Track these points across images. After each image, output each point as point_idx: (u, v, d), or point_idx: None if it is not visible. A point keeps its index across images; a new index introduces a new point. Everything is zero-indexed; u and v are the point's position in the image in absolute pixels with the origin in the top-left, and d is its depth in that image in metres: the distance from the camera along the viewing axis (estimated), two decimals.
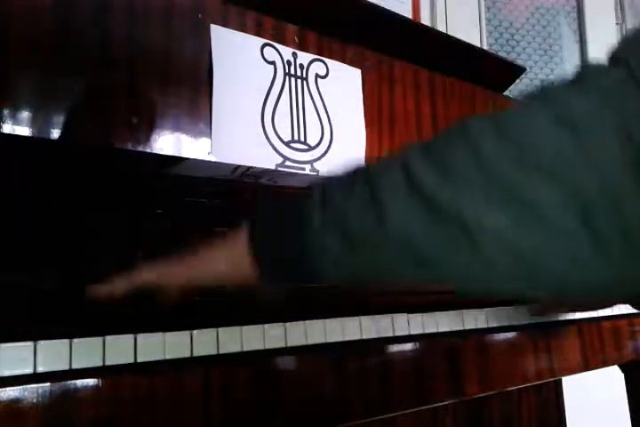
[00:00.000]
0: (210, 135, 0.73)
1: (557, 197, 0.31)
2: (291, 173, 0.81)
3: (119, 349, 0.45)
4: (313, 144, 0.86)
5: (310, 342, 0.56)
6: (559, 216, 0.31)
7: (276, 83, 0.83)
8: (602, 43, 2.01)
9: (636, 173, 0.30)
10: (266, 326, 0.53)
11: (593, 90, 0.32)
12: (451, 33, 1.49)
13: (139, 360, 0.46)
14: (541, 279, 0.35)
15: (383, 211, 0.37)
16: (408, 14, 1.30)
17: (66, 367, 0.43)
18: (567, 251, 0.32)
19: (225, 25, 0.77)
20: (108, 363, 0.44)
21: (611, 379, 1.25)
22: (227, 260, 0.47)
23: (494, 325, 0.72)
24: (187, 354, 0.48)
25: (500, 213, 0.33)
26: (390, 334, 0.63)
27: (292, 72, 0.85)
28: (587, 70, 0.35)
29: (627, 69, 0.31)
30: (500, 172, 0.33)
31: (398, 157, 0.39)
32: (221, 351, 0.50)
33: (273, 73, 0.83)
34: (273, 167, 0.80)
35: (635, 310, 0.92)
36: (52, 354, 0.42)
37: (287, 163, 0.82)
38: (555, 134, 0.32)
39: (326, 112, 0.89)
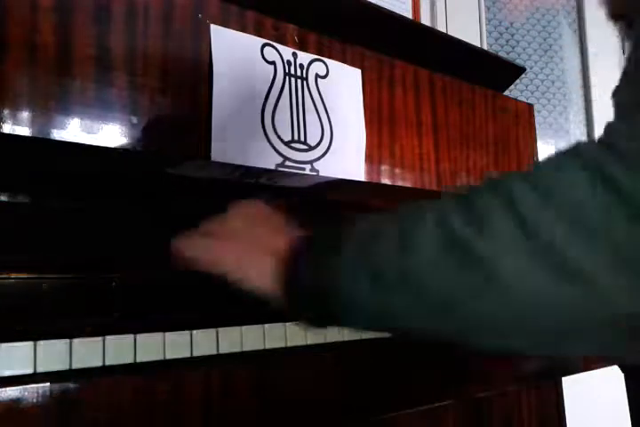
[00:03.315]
0: (210, 135, 0.73)
1: (600, 256, 0.33)
2: (291, 173, 0.81)
3: (119, 349, 0.45)
4: (313, 144, 0.86)
5: (310, 342, 0.56)
6: (601, 273, 0.33)
7: (275, 83, 0.83)
8: (602, 43, 2.01)
9: None
10: (266, 326, 0.53)
11: (633, 161, 0.34)
12: (451, 33, 1.49)
13: (139, 360, 0.46)
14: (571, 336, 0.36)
15: (410, 254, 0.38)
16: (408, 14, 1.30)
17: (66, 367, 0.43)
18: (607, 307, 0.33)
19: (225, 25, 0.77)
20: (107, 363, 0.44)
21: (611, 379, 1.25)
22: (259, 285, 0.47)
23: None
24: (187, 354, 0.48)
25: (538, 270, 0.34)
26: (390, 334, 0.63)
27: (292, 72, 0.85)
28: (617, 138, 0.36)
29: None
30: (542, 229, 0.34)
31: (432, 209, 0.40)
32: (221, 351, 0.50)
33: (273, 73, 0.83)
34: (273, 167, 0.80)
35: None
36: (52, 354, 0.42)
37: (287, 163, 0.82)
38: (596, 193, 0.33)
39: (326, 112, 0.88)
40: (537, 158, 1.25)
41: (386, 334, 0.63)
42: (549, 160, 0.38)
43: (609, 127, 0.38)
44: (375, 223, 0.43)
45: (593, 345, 0.37)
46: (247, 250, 0.49)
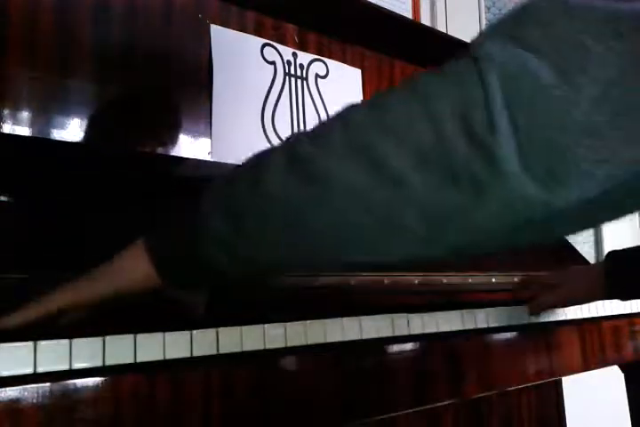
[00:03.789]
0: (210, 135, 0.73)
1: (402, 155, 0.35)
2: None
3: (119, 349, 0.45)
4: None
5: (310, 342, 0.56)
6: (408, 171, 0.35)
7: (276, 83, 0.83)
8: None
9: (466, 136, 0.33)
10: (266, 326, 0.53)
11: (447, 75, 0.36)
12: (451, 33, 1.49)
13: (139, 360, 0.46)
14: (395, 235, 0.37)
15: (259, 176, 0.40)
16: (408, 14, 1.30)
17: (66, 367, 0.43)
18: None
19: (225, 25, 0.77)
20: (107, 363, 0.44)
21: (611, 379, 1.25)
22: (127, 271, 0.47)
23: (494, 325, 0.72)
24: (187, 354, 0.48)
25: (359, 171, 0.36)
26: (390, 334, 0.63)
27: (292, 72, 0.85)
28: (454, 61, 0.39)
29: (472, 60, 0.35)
30: (361, 135, 0.37)
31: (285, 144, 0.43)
32: (221, 351, 0.50)
33: (273, 73, 0.83)
34: None
35: (635, 310, 0.92)
36: (52, 354, 0.42)
37: None
38: (409, 106, 0.36)
39: (326, 112, 0.89)
40: None
41: (386, 334, 0.63)
42: None
43: None
44: (236, 171, 0.45)
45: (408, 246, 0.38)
46: (100, 271, 0.48)
